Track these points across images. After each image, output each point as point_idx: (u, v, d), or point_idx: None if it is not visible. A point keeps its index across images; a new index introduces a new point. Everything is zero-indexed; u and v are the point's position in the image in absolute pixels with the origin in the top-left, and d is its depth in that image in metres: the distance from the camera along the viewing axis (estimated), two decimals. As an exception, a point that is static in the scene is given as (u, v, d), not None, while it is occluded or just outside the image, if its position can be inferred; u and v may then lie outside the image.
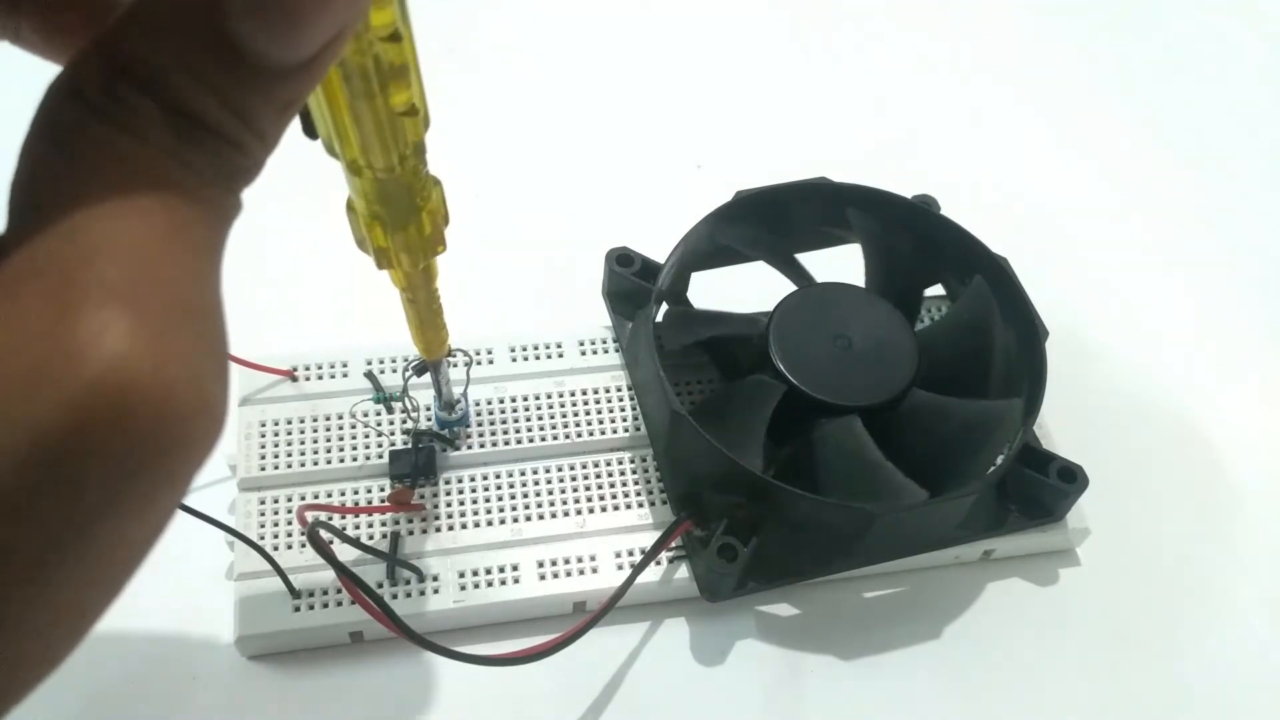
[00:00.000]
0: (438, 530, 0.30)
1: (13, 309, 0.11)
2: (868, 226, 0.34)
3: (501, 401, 0.32)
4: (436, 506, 0.30)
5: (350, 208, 0.20)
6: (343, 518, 0.29)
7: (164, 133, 0.12)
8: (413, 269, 0.22)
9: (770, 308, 0.32)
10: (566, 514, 0.30)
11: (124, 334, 0.11)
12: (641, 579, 0.28)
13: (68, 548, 0.12)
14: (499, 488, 0.30)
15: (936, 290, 0.35)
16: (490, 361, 0.33)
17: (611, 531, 0.30)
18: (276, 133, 0.13)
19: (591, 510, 0.30)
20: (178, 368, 0.12)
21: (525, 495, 0.30)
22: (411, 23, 0.16)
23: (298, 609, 0.28)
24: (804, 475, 0.29)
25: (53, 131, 0.12)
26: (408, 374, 0.30)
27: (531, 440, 0.31)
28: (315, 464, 0.30)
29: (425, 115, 0.18)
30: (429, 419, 0.31)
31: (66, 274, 0.11)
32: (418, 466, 0.30)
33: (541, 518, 0.30)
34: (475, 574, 0.29)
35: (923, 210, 0.34)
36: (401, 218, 0.20)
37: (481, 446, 0.31)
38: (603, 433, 0.32)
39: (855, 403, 0.30)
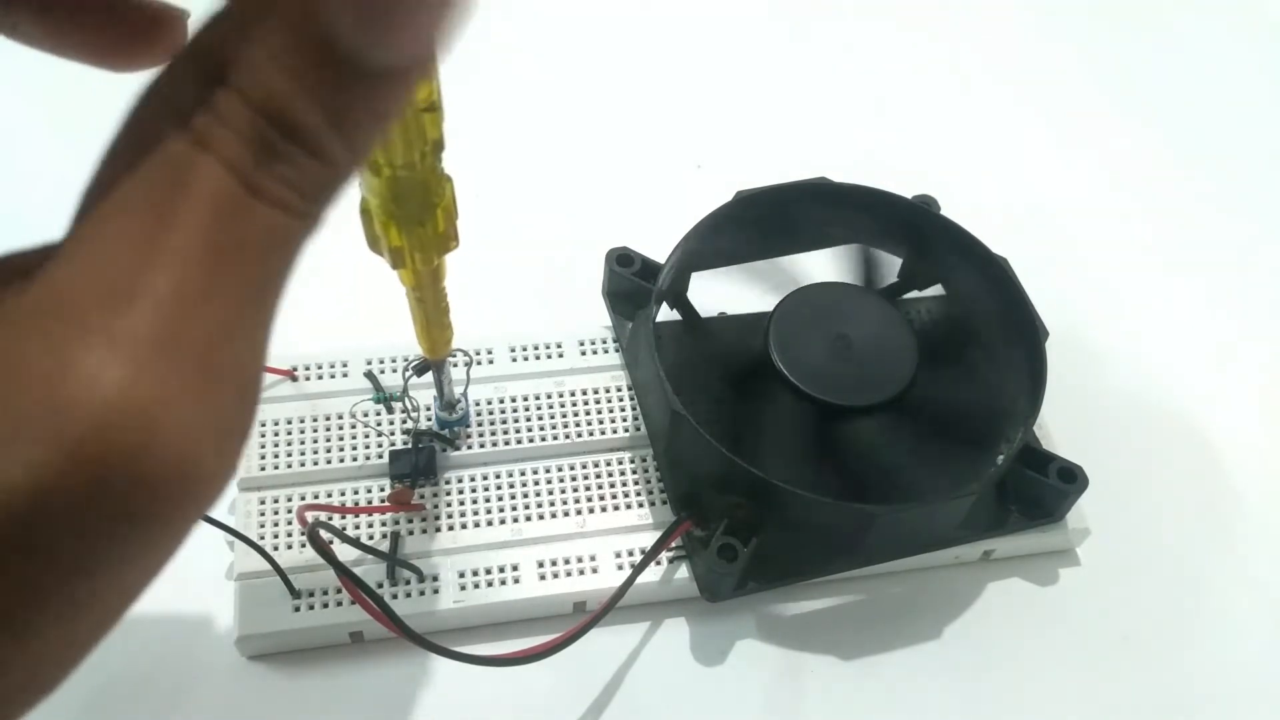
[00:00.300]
0: (438, 530, 0.30)
1: (14, 347, 0.11)
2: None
3: (501, 401, 0.32)
4: (436, 506, 0.30)
5: (364, 210, 0.20)
6: (343, 518, 0.29)
7: (246, 149, 0.11)
8: (426, 266, 0.22)
9: (770, 308, 0.32)
10: (566, 514, 0.30)
11: (118, 395, 0.11)
12: (641, 579, 0.28)
13: (43, 604, 0.11)
14: (499, 488, 0.30)
15: (937, 290, 0.35)
16: (490, 361, 0.33)
17: (611, 531, 0.30)
18: (366, 144, 0.13)
19: (591, 510, 0.30)
20: (174, 439, 0.11)
21: (525, 495, 0.30)
22: None
23: (298, 609, 0.28)
24: (803, 474, 0.29)
25: (131, 136, 0.12)
26: (408, 374, 0.30)
27: (531, 440, 0.31)
28: (315, 464, 0.30)
29: (441, 111, 0.18)
30: (429, 419, 0.31)
31: (80, 315, 0.11)
32: (418, 466, 0.30)
33: (541, 518, 0.30)
34: (475, 574, 0.29)
35: (923, 210, 0.34)
36: (417, 215, 0.20)
37: (481, 446, 0.31)
38: (603, 433, 0.32)
39: (855, 402, 0.30)
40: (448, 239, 0.21)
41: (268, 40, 0.11)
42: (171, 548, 0.12)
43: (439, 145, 0.19)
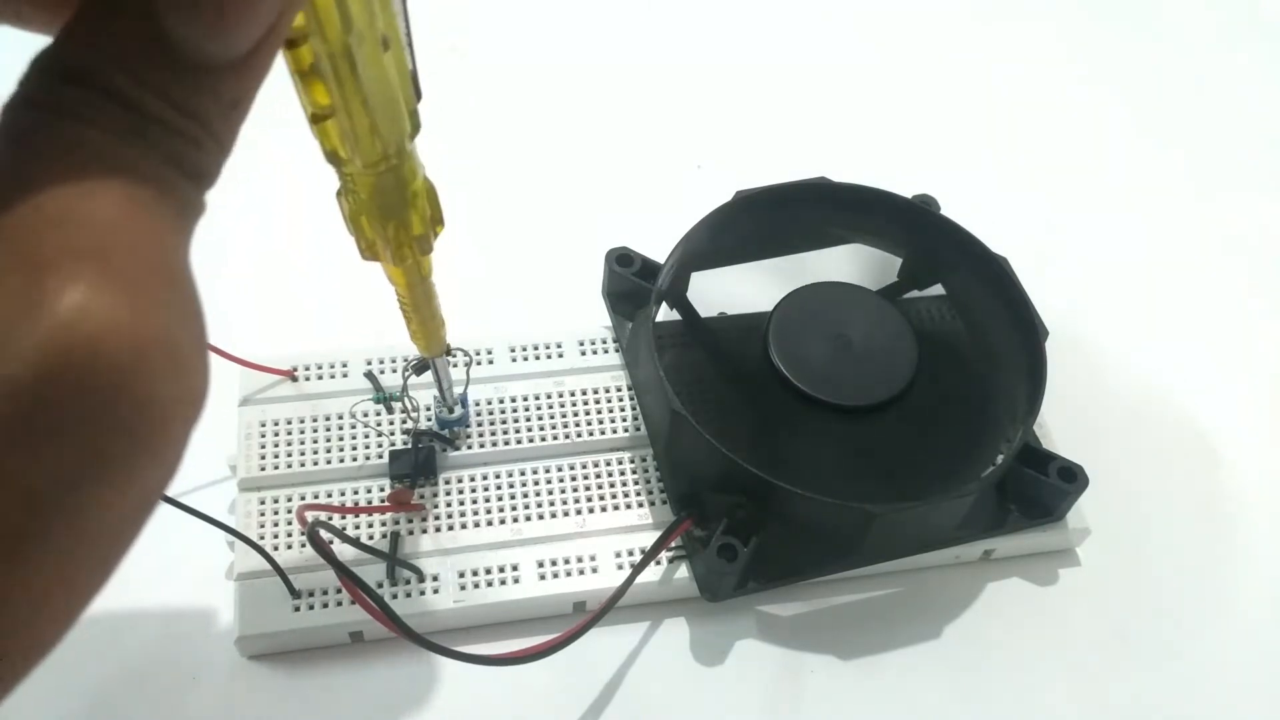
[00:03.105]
0: (438, 530, 0.30)
1: None
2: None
3: (501, 401, 0.32)
4: (436, 506, 0.30)
5: (339, 193, 0.20)
6: (343, 518, 0.29)
7: (115, 129, 0.12)
8: (397, 264, 0.22)
9: (770, 308, 0.32)
10: (566, 514, 0.30)
11: (93, 287, 0.11)
12: (641, 579, 0.28)
13: (49, 515, 0.11)
14: (499, 488, 0.30)
15: (937, 290, 0.35)
16: (490, 361, 0.33)
17: (611, 531, 0.30)
18: (229, 131, 0.13)
19: (591, 510, 0.30)
20: (150, 321, 0.12)
21: (525, 495, 0.30)
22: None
23: (298, 609, 0.28)
24: (803, 474, 0.29)
25: (10, 136, 0.12)
26: (407, 374, 0.30)
27: (531, 440, 0.31)
28: (315, 464, 0.30)
29: (415, 121, 0.18)
30: (429, 419, 0.31)
31: (34, 238, 0.11)
32: (418, 466, 0.30)
33: (541, 518, 0.30)
34: (475, 574, 0.29)
35: (923, 210, 0.34)
36: (387, 214, 0.20)
37: (481, 446, 0.31)
38: (603, 433, 0.32)
39: (855, 402, 0.30)
40: (422, 242, 0.21)
41: (111, 46, 0.12)
42: (165, 455, 0.12)
43: (402, 148, 0.19)
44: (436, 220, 0.21)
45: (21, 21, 0.16)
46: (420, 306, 0.24)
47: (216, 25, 0.12)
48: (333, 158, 0.18)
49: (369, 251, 0.21)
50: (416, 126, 0.19)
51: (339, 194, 0.20)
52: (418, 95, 0.18)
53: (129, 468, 0.12)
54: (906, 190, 0.34)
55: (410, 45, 0.17)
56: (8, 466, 0.11)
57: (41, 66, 0.12)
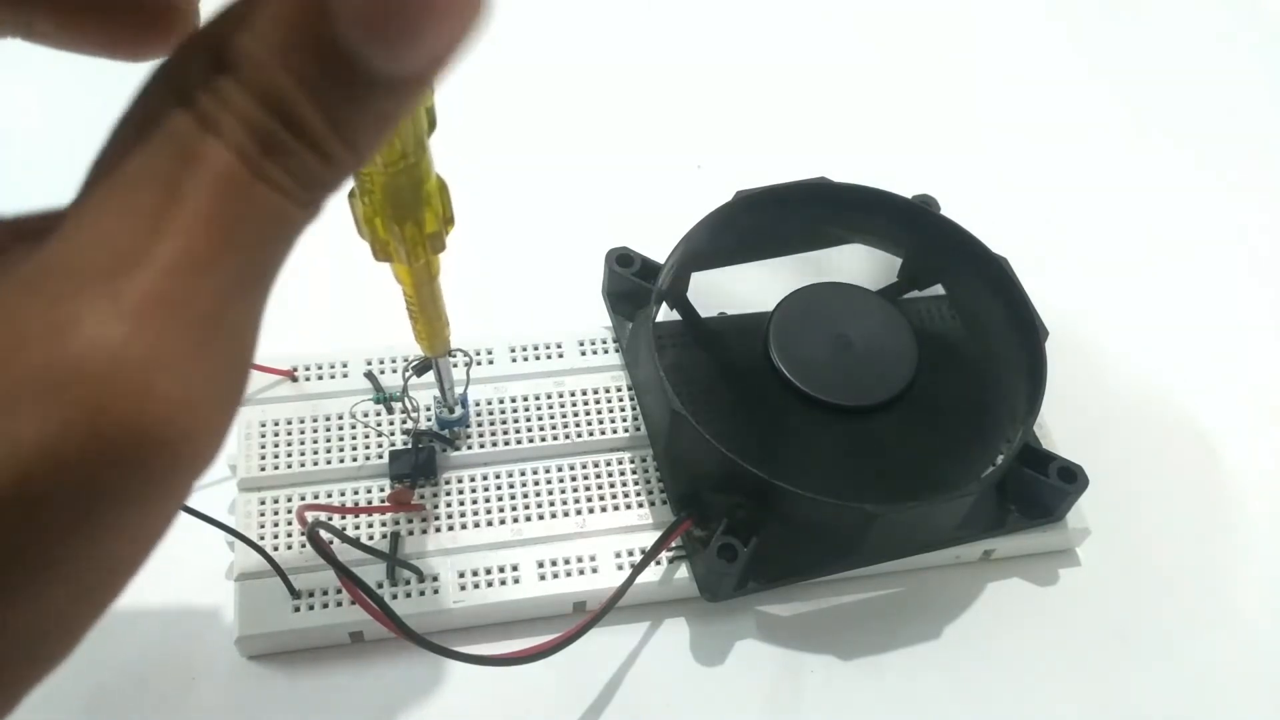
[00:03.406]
0: (438, 530, 0.30)
1: (19, 305, 0.11)
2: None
3: (501, 401, 0.32)
4: (436, 506, 0.30)
5: (352, 195, 0.20)
6: (343, 518, 0.29)
7: (250, 138, 0.11)
8: (411, 264, 0.22)
9: (770, 308, 0.32)
10: (566, 514, 0.30)
11: (119, 350, 0.11)
12: (641, 579, 0.28)
13: (45, 567, 0.11)
14: (499, 488, 0.30)
15: (937, 290, 0.35)
16: (490, 361, 0.33)
17: (611, 531, 0.30)
18: (370, 146, 0.13)
19: (591, 510, 0.30)
20: (171, 397, 0.11)
21: (525, 495, 0.30)
22: None
23: (298, 609, 0.28)
24: (803, 474, 0.29)
25: (139, 115, 0.12)
26: (408, 374, 0.30)
27: (531, 440, 0.31)
28: (315, 464, 0.30)
29: (432, 117, 0.18)
30: (429, 419, 0.31)
31: (86, 276, 0.11)
32: (418, 466, 0.30)
33: (541, 518, 0.30)
34: (475, 574, 0.29)
35: (923, 210, 0.34)
36: (402, 213, 0.20)
37: (481, 446, 0.31)
38: (603, 433, 0.32)
39: (855, 402, 0.30)
40: (435, 241, 0.21)
41: (271, 34, 0.11)
42: (167, 512, 0.12)
43: (421, 145, 0.18)
44: (448, 219, 0.21)
45: (33, 35, 0.16)
46: (427, 306, 0.24)
47: (398, 44, 0.11)
48: None
49: (382, 253, 0.21)
50: (433, 123, 0.18)
51: (351, 196, 0.20)
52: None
53: (125, 517, 0.12)
54: (906, 190, 0.34)
55: None
56: (8, 522, 0.11)
57: (201, 44, 0.11)
